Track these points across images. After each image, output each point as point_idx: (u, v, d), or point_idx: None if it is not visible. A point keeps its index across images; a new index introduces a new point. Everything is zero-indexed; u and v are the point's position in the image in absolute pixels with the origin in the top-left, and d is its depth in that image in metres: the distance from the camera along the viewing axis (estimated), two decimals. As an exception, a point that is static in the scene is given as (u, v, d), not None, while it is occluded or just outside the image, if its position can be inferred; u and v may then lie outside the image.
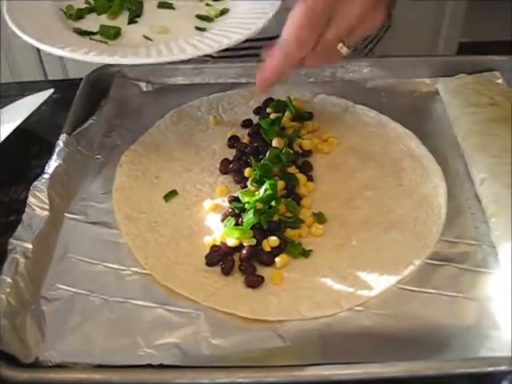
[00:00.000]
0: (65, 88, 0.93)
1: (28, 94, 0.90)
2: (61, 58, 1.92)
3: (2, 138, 0.79)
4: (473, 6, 1.83)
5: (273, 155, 0.72)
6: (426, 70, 0.90)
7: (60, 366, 0.56)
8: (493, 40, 2.25)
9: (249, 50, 0.87)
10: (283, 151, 0.74)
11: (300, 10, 0.64)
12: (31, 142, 0.84)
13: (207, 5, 0.84)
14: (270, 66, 0.69)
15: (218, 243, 0.66)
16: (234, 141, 0.79)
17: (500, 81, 0.87)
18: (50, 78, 1.94)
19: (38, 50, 1.93)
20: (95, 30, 0.78)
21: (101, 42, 0.76)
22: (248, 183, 0.71)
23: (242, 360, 0.56)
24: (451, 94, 0.85)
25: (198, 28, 0.79)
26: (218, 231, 0.67)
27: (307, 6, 0.64)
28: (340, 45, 0.69)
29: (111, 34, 0.77)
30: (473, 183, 0.73)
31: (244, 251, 0.64)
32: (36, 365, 0.56)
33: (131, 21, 0.81)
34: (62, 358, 0.57)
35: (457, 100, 0.83)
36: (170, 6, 0.84)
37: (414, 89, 0.89)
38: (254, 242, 0.65)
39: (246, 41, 0.74)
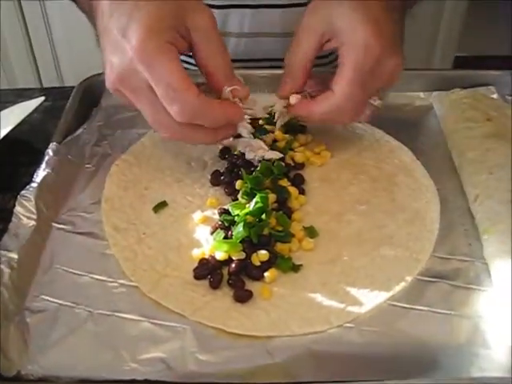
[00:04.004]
0: (56, 96, 0.93)
1: (19, 102, 0.89)
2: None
3: (-9, 146, 0.79)
4: (469, 20, 1.83)
5: (264, 168, 0.72)
6: (421, 84, 0.89)
7: (42, 381, 0.55)
8: (489, 54, 2.26)
9: None
10: (275, 164, 0.73)
11: (351, 68, 0.67)
12: (21, 150, 0.83)
13: None
14: (318, 113, 0.70)
15: (206, 256, 0.65)
16: (225, 152, 0.78)
17: (495, 96, 0.87)
18: (46, 84, 1.94)
19: (34, 57, 1.93)
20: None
21: None
22: (239, 196, 0.70)
23: (229, 376, 0.55)
24: (446, 109, 0.84)
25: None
26: (208, 244, 0.66)
27: (358, 64, 0.66)
28: (374, 97, 0.73)
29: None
30: (466, 199, 0.72)
31: (233, 265, 0.63)
32: (18, 378, 0.55)
33: None
34: (45, 371, 0.55)
35: (452, 114, 0.83)
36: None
37: (409, 102, 0.88)
38: (243, 255, 0.64)
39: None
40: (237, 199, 0.70)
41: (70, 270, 0.65)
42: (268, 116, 0.79)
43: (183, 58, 0.64)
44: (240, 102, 0.69)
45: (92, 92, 0.89)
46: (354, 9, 0.67)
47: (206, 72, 0.67)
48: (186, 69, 0.62)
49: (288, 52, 0.72)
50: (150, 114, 0.66)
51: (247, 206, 0.67)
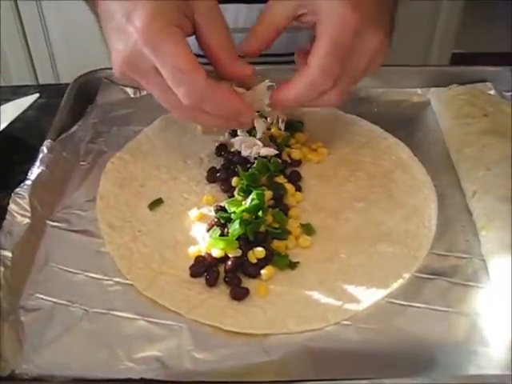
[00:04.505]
0: (51, 93, 0.92)
1: (14, 99, 0.89)
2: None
3: (-15, 144, 0.78)
4: (466, 17, 1.83)
5: (261, 164, 0.71)
6: (419, 80, 0.89)
7: (37, 380, 0.55)
8: (486, 51, 2.26)
9: None
10: (271, 160, 0.72)
11: (327, 41, 0.64)
12: (15, 147, 0.83)
13: None
14: (293, 92, 0.67)
15: (202, 254, 0.64)
16: (221, 149, 0.78)
17: (492, 92, 0.86)
18: (42, 81, 1.93)
19: (30, 55, 1.93)
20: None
21: None
22: (235, 193, 0.70)
23: (225, 375, 0.55)
24: (443, 105, 0.84)
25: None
26: (204, 241, 0.66)
27: (334, 37, 0.64)
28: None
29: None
30: (464, 195, 0.72)
31: (229, 262, 0.63)
32: (12, 378, 0.54)
33: None
34: (40, 371, 0.55)
35: (449, 111, 0.82)
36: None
37: (406, 99, 0.88)
38: (239, 253, 0.63)
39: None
40: (233, 196, 0.70)
41: (65, 269, 0.64)
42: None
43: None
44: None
45: (87, 89, 0.88)
46: None
47: (209, 52, 0.66)
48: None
49: (259, 15, 0.69)
50: (159, 96, 0.65)
51: (243, 203, 0.67)
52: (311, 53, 0.65)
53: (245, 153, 0.74)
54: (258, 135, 0.73)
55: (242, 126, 0.71)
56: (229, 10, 0.93)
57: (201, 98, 0.62)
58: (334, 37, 0.64)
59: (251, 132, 0.76)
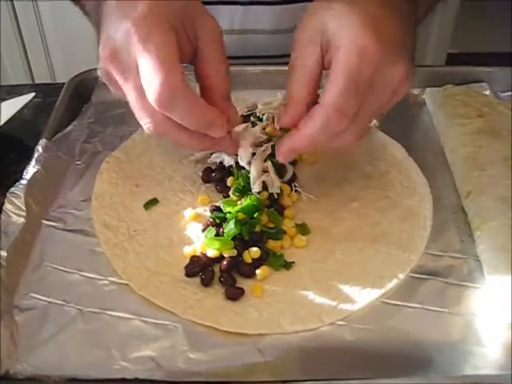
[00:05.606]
0: (47, 92, 0.92)
1: (9, 98, 0.88)
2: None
3: (-20, 143, 0.78)
4: (462, 17, 1.83)
5: (256, 164, 0.71)
6: (414, 80, 0.88)
7: (31, 379, 0.54)
8: (481, 51, 2.26)
9: None
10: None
11: (343, 75, 0.57)
12: (10, 146, 0.82)
13: None
14: (305, 136, 0.60)
15: (198, 254, 0.64)
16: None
17: (488, 92, 0.87)
18: (37, 81, 1.93)
19: (26, 55, 1.92)
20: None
21: None
22: (230, 192, 0.70)
23: (219, 375, 0.55)
24: (438, 105, 0.84)
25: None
26: (199, 241, 0.66)
27: (351, 71, 0.57)
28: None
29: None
30: (459, 195, 0.72)
31: (224, 262, 0.63)
32: (6, 378, 0.54)
33: None
34: (34, 370, 0.55)
35: (444, 111, 0.82)
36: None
37: (401, 99, 0.88)
38: (234, 253, 0.63)
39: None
40: (228, 196, 0.70)
41: (60, 268, 0.64)
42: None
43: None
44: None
45: (83, 88, 0.88)
46: (348, 9, 0.58)
47: (204, 84, 0.63)
48: None
49: (287, 79, 0.62)
50: (134, 99, 0.60)
51: (239, 202, 0.67)
52: (325, 89, 0.58)
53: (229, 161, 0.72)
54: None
55: (216, 144, 0.65)
56: (225, 11, 0.93)
57: (173, 98, 0.56)
58: (352, 69, 0.57)
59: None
